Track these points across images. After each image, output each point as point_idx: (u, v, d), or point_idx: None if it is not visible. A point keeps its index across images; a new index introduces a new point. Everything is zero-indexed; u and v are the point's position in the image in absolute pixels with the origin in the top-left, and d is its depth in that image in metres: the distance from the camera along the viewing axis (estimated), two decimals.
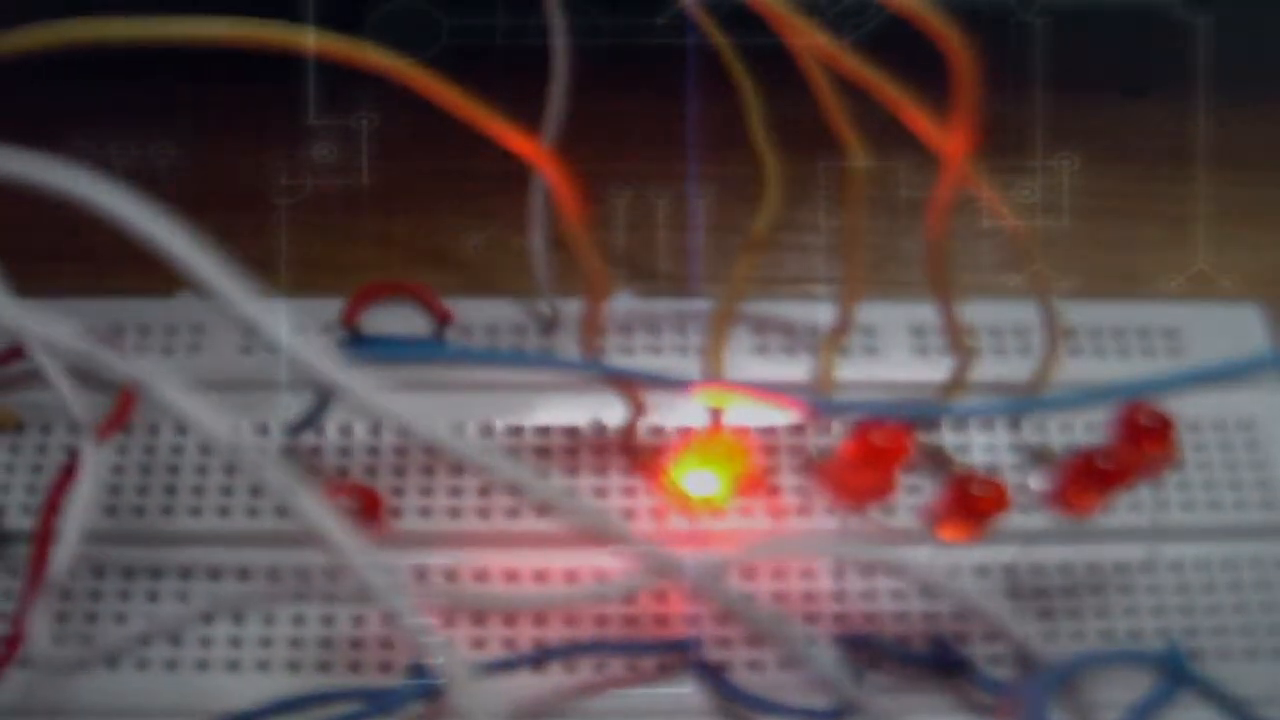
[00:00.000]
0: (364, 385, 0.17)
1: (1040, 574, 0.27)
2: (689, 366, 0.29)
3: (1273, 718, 0.25)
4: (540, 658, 0.25)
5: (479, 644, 0.26)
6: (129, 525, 0.27)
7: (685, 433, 0.28)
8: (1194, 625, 0.26)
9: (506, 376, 0.29)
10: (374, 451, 0.28)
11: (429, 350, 0.28)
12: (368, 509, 0.26)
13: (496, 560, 0.27)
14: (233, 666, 0.25)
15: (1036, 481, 0.28)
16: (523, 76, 0.24)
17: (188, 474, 0.27)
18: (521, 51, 0.25)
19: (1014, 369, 0.29)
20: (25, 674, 0.25)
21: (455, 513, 0.27)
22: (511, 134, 0.19)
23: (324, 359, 0.17)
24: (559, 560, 0.27)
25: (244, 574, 0.26)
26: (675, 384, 0.25)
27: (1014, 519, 0.26)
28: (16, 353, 0.28)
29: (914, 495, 0.27)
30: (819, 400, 0.28)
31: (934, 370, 0.28)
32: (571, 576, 0.27)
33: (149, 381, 0.17)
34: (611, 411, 0.28)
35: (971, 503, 0.25)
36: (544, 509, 0.23)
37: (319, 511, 0.17)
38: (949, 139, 0.21)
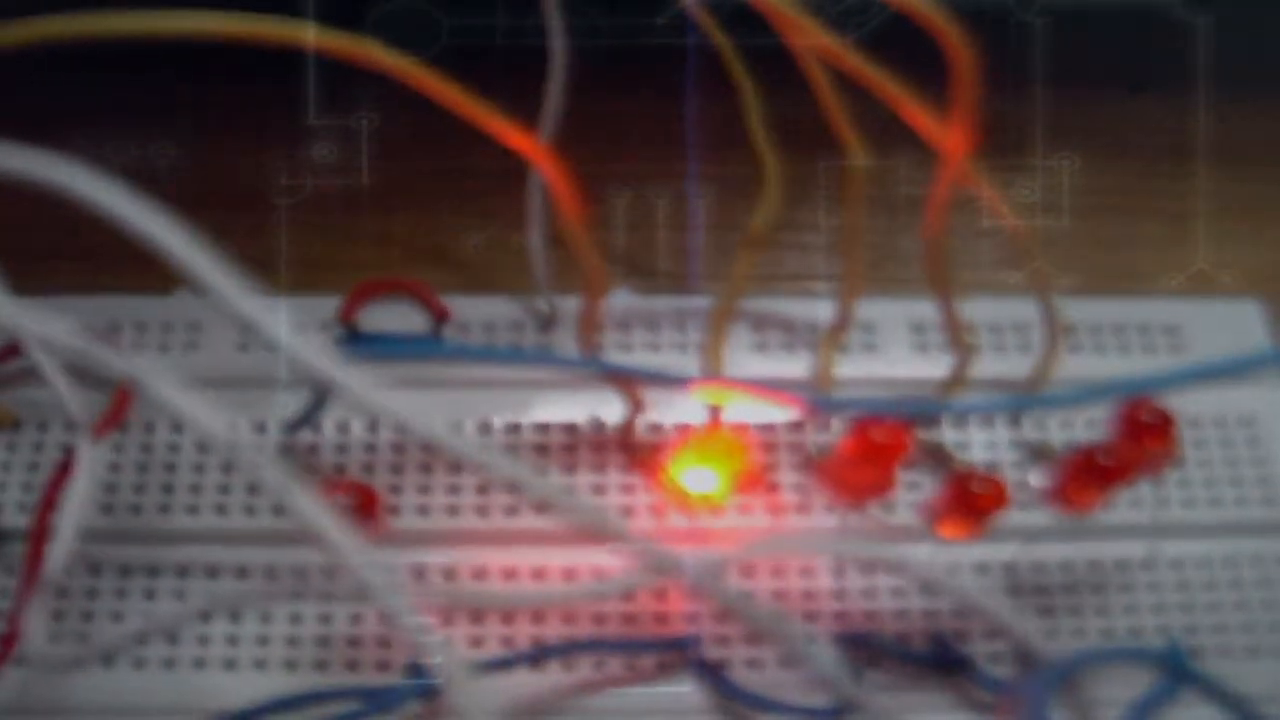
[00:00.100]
0: (361, 383, 0.17)
1: (1040, 571, 0.27)
2: (688, 363, 0.29)
3: (1274, 716, 0.25)
4: (538, 656, 0.25)
5: (477, 642, 0.26)
6: (126, 523, 0.27)
7: (684, 430, 0.28)
8: (1195, 623, 0.26)
9: (504, 374, 0.29)
10: (371, 449, 0.28)
11: (426, 348, 0.28)
12: (365, 507, 0.26)
13: (495, 558, 0.27)
14: (230, 665, 0.25)
15: (1037, 478, 0.28)
16: (522, 76, 0.24)
17: (185, 472, 0.27)
18: (521, 51, 0.25)
19: (1014, 366, 0.29)
20: (21, 672, 0.25)
21: (453, 511, 0.27)
22: (509, 130, 0.19)
23: (321, 356, 0.17)
24: (557, 558, 0.27)
25: (241, 572, 0.26)
26: (674, 381, 0.25)
27: (1014, 516, 0.26)
28: (13, 350, 0.28)
29: (914, 492, 0.27)
30: (818, 397, 0.28)
31: (934, 367, 0.28)
32: (570, 574, 0.26)
33: (146, 379, 0.17)
34: (610, 409, 0.28)
35: (971, 500, 0.25)
36: (542, 507, 0.23)
37: (316, 510, 0.17)
38: (949, 137, 0.21)
